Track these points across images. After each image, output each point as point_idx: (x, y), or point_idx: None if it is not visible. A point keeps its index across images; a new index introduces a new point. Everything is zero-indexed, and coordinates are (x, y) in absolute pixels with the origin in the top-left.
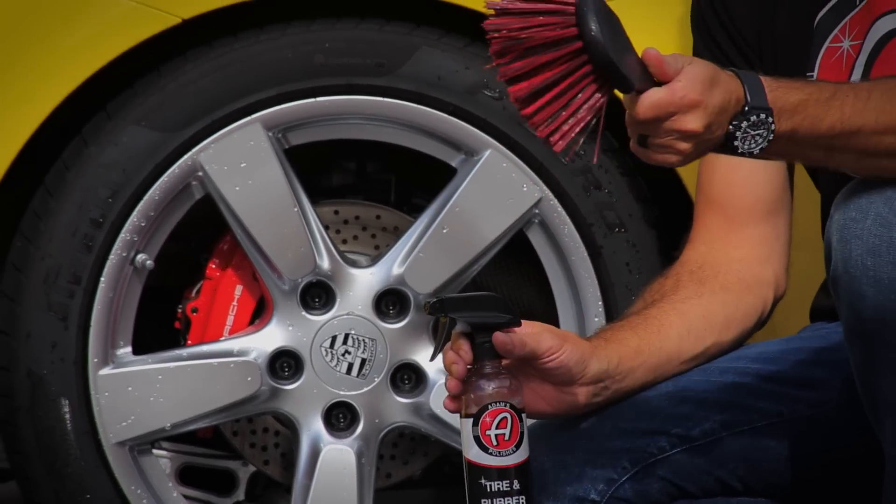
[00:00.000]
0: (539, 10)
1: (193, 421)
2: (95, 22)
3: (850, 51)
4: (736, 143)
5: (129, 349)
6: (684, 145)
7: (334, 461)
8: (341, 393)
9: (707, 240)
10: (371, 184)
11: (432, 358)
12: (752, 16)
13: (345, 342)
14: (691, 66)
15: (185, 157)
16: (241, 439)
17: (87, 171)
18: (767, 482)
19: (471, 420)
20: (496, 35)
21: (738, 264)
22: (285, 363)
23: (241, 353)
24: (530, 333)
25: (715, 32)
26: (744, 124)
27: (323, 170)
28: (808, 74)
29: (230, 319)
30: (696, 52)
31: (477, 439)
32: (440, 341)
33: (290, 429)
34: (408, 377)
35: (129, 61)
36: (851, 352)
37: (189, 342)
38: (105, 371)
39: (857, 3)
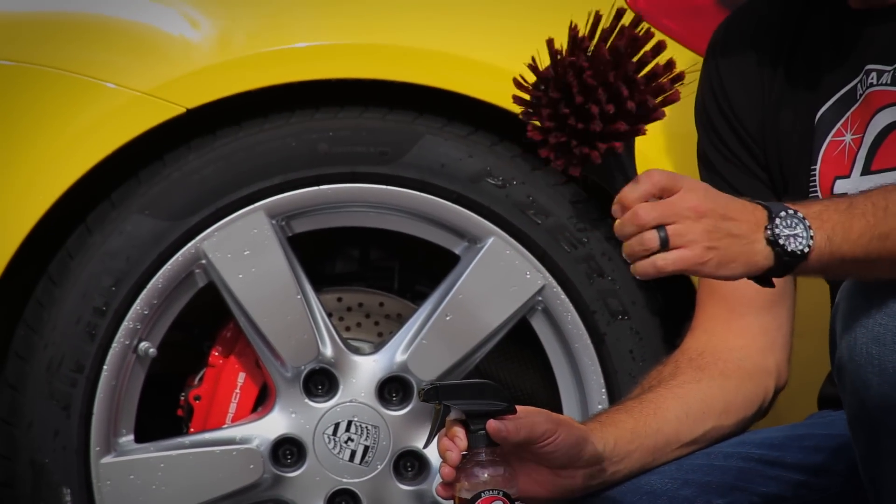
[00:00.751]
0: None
1: None
2: (100, 111)
3: (852, 144)
4: (781, 241)
5: (131, 437)
6: (699, 226)
7: None
8: (344, 480)
9: (708, 328)
10: (374, 271)
11: (426, 445)
12: (754, 111)
13: (348, 429)
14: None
15: (189, 245)
16: None
17: (91, 259)
18: None
19: None
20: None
21: (739, 352)
22: (288, 450)
23: (243, 441)
24: (525, 419)
25: (718, 127)
26: (778, 221)
27: (326, 257)
28: (811, 168)
29: (233, 407)
30: (700, 147)
31: None
32: (434, 428)
33: None
34: (411, 464)
35: (133, 150)
36: (855, 440)
37: (192, 430)
38: (107, 459)
39: (858, 97)
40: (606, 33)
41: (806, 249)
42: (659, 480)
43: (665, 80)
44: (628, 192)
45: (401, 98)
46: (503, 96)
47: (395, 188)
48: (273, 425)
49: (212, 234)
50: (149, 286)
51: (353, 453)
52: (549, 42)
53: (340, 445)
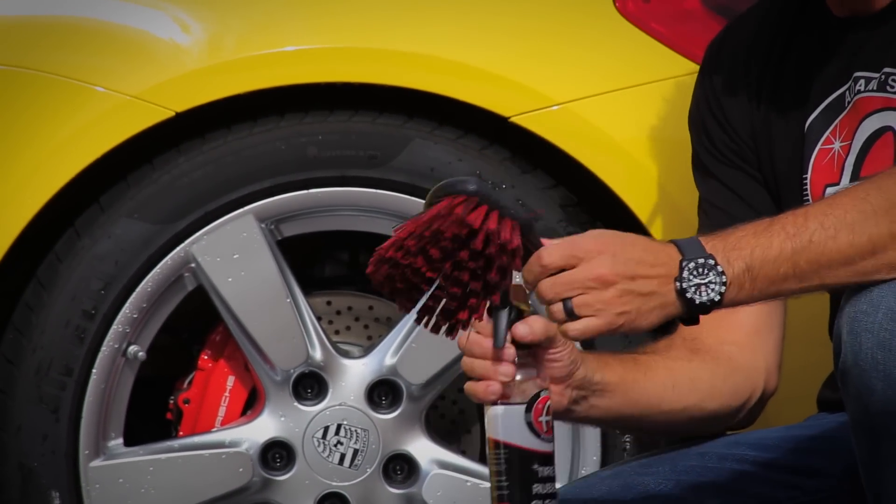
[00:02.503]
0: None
1: None
2: (89, 115)
3: (841, 151)
4: (689, 295)
5: (120, 441)
6: (607, 295)
7: None
8: (333, 484)
9: (700, 321)
10: (364, 274)
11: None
12: (747, 119)
13: (337, 433)
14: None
15: (178, 248)
16: None
17: (80, 263)
18: None
19: (523, 406)
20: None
21: (731, 346)
22: (277, 454)
23: (232, 444)
24: (547, 322)
25: (712, 131)
26: (686, 274)
27: (315, 261)
28: (803, 177)
29: (222, 410)
30: (696, 155)
31: (530, 425)
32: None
33: None
34: (400, 468)
35: (122, 154)
36: (857, 445)
37: (181, 433)
38: (96, 463)
39: (846, 105)
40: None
41: (717, 298)
42: (652, 481)
43: (503, 259)
44: (531, 267)
45: (390, 102)
46: (492, 100)
47: (385, 192)
48: (262, 429)
49: (201, 238)
50: (138, 290)
51: (342, 457)
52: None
53: (330, 449)
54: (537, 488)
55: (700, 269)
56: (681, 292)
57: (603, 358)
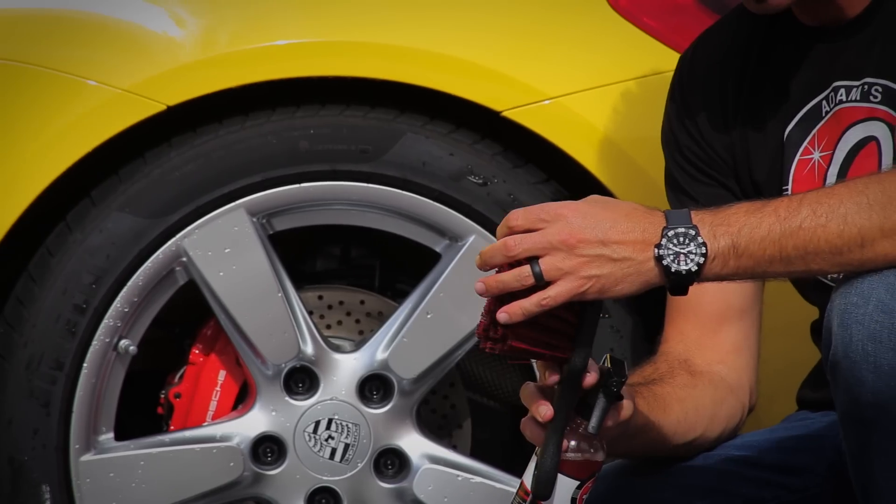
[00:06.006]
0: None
1: None
2: (80, 109)
3: (821, 161)
4: (665, 262)
5: (111, 435)
6: (575, 257)
7: None
8: (324, 478)
9: (683, 340)
10: (355, 269)
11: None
12: (723, 134)
13: (328, 427)
14: None
15: (170, 242)
16: None
17: (71, 257)
18: None
19: (577, 482)
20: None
21: (719, 366)
22: (268, 448)
23: (223, 439)
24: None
25: (686, 151)
26: (664, 241)
27: (307, 255)
28: (783, 188)
29: (213, 405)
30: (669, 172)
31: (573, 501)
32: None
33: None
34: (391, 462)
35: (113, 148)
36: (846, 437)
37: (172, 427)
38: (87, 457)
39: (824, 114)
40: None
41: (695, 268)
42: (640, 484)
43: None
44: (492, 246)
45: (382, 96)
46: (484, 95)
47: (377, 186)
48: (253, 423)
49: (192, 232)
50: (129, 284)
51: (333, 451)
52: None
53: (321, 443)
54: None
55: (680, 238)
56: (658, 259)
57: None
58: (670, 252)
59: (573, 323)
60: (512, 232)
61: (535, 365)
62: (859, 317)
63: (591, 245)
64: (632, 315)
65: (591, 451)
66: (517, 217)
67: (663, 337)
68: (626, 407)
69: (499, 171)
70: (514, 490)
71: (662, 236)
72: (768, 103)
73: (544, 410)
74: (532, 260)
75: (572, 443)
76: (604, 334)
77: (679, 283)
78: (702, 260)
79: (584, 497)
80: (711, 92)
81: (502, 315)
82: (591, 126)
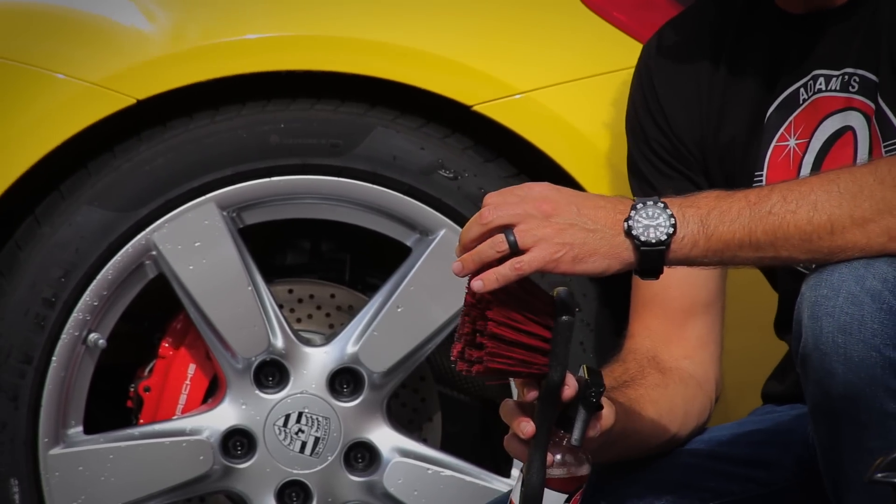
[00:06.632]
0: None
1: (145, 500)
2: (50, 102)
3: (797, 149)
4: (635, 232)
5: (80, 428)
6: (549, 225)
7: None
8: (294, 472)
9: (649, 335)
10: (326, 263)
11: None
12: (694, 125)
13: (298, 421)
14: None
15: (139, 236)
16: None
17: (40, 250)
18: None
19: (565, 495)
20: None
21: (686, 361)
22: (238, 442)
23: (193, 432)
24: (607, 414)
25: (653, 142)
26: (634, 213)
27: (277, 249)
28: (756, 174)
29: (183, 398)
30: (633, 161)
31: None
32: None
33: None
34: (361, 456)
35: (82, 142)
36: (817, 429)
37: (141, 421)
38: (56, 451)
39: (801, 101)
40: None
41: (664, 237)
42: (604, 478)
43: None
44: (469, 225)
45: (353, 90)
46: (455, 89)
47: (347, 180)
48: (223, 417)
49: (162, 226)
50: (98, 277)
51: (303, 445)
52: None
53: (291, 437)
54: None
55: (650, 212)
56: (628, 232)
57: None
58: (640, 224)
59: (547, 338)
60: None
61: (512, 382)
62: (829, 309)
63: (565, 214)
64: (603, 308)
65: (577, 463)
66: (492, 194)
67: (629, 332)
68: (607, 415)
69: (469, 166)
70: (485, 483)
71: (632, 209)
72: (746, 89)
73: (526, 427)
74: (507, 230)
75: (557, 457)
76: (575, 328)
77: (649, 259)
78: (671, 230)
79: None
80: (681, 80)
81: (477, 283)
82: (562, 120)
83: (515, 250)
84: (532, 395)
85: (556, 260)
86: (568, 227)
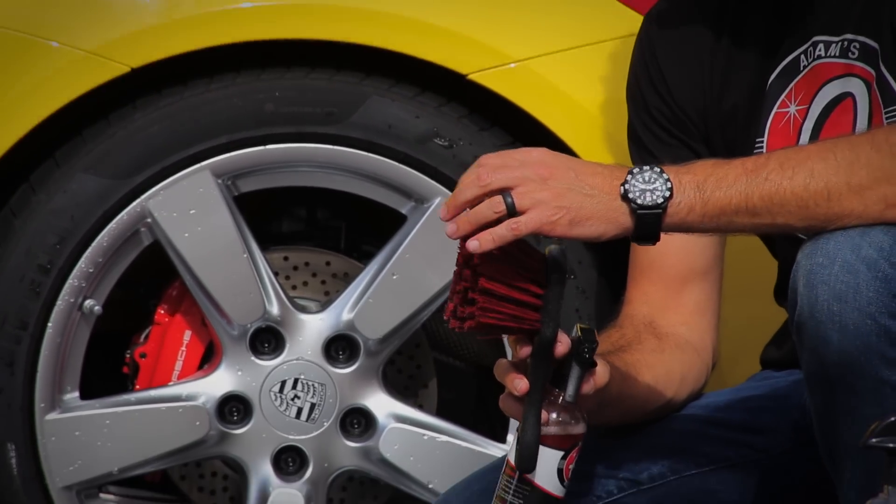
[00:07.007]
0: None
1: (141, 465)
2: (44, 70)
3: (797, 115)
4: (631, 196)
5: (76, 394)
6: (547, 188)
7: None
8: (290, 437)
9: (646, 301)
10: (321, 230)
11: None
12: (696, 93)
13: (294, 387)
14: None
15: (134, 203)
16: (189, 483)
17: (35, 217)
18: None
19: (561, 452)
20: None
21: (683, 327)
22: (234, 408)
23: (189, 398)
24: (602, 371)
25: (653, 110)
26: (630, 178)
27: (273, 216)
28: (758, 140)
29: (179, 364)
30: (633, 128)
31: (560, 472)
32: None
33: (238, 473)
34: (357, 421)
35: (77, 109)
36: (812, 397)
37: (137, 387)
38: (52, 416)
39: (802, 68)
40: None
41: (660, 201)
42: (605, 442)
43: None
44: (465, 177)
45: (348, 59)
46: (450, 57)
47: (342, 148)
48: (219, 383)
49: (157, 193)
50: (93, 244)
51: (299, 411)
52: None
53: (287, 403)
54: None
55: (646, 177)
56: (624, 195)
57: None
58: (636, 188)
59: (539, 295)
60: (481, 166)
61: (506, 341)
62: (825, 277)
63: (563, 179)
64: (598, 275)
65: (572, 421)
66: (488, 157)
67: (626, 298)
68: (601, 373)
69: (465, 134)
70: (480, 449)
71: (628, 174)
72: (748, 57)
73: (519, 384)
74: (504, 192)
75: (552, 415)
76: (570, 294)
77: (646, 223)
78: (668, 194)
79: (571, 467)
80: (683, 49)
81: (473, 243)
82: (557, 89)
83: (512, 212)
84: (525, 351)
85: (553, 222)
86: (566, 192)
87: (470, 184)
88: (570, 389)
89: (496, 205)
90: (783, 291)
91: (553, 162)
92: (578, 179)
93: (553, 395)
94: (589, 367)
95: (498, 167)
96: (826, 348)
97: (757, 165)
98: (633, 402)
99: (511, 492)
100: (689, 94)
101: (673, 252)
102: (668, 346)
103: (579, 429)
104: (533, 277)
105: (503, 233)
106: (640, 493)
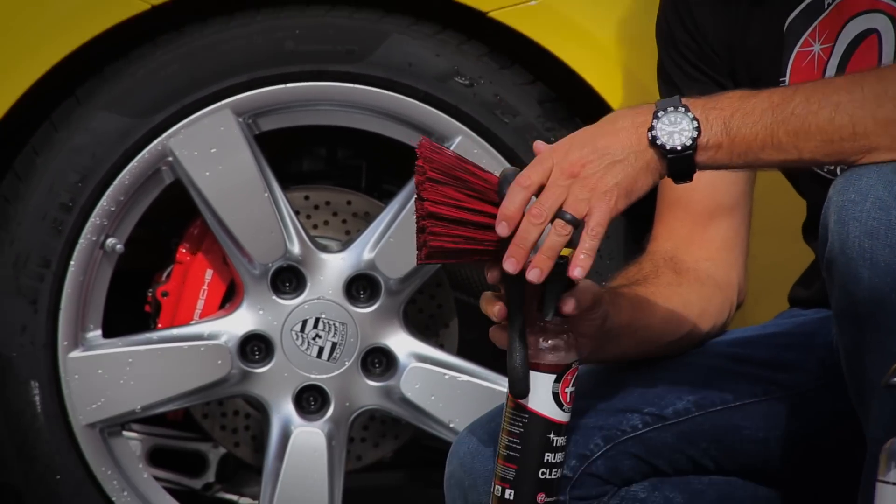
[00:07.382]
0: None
1: (164, 403)
2: (65, 7)
3: (821, 54)
4: (660, 141)
5: (99, 332)
6: (587, 180)
7: (305, 444)
8: (312, 376)
9: (671, 237)
10: (342, 169)
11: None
12: (722, 29)
13: (315, 326)
14: None
15: (155, 142)
16: (212, 422)
17: (57, 155)
18: (739, 462)
19: (553, 376)
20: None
21: (706, 263)
22: (256, 347)
23: (211, 337)
24: (590, 291)
25: (682, 46)
26: (656, 122)
27: (293, 155)
28: (780, 80)
29: (200, 303)
30: (662, 66)
31: (556, 396)
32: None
33: (260, 412)
34: (378, 361)
35: (98, 47)
36: (841, 334)
37: (159, 326)
38: (75, 354)
39: (826, 6)
40: None
41: (689, 142)
42: (631, 378)
43: None
44: (508, 205)
45: None
46: None
47: (363, 86)
48: (241, 322)
49: (178, 132)
50: (115, 183)
51: (320, 350)
52: None
53: (308, 342)
54: (548, 457)
55: (672, 118)
56: (653, 141)
57: (615, 301)
58: (664, 132)
59: (493, 214)
60: (528, 190)
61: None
62: (857, 213)
63: (591, 163)
64: (618, 217)
65: (560, 342)
66: (526, 177)
67: (652, 235)
68: (583, 290)
69: (485, 72)
70: (501, 388)
71: (654, 118)
72: None
73: (497, 309)
74: (559, 213)
75: (539, 339)
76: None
77: (678, 164)
78: (695, 134)
79: (568, 390)
80: None
81: (576, 271)
82: (579, 26)
83: (576, 223)
84: (493, 275)
85: (614, 206)
86: (602, 173)
87: (529, 226)
88: (546, 308)
89: (562, 229)
90: (811, 230)
91: (570, 155)
92: (604, 151)
93: (541, 321)
94: (566, 284)
95: (540, 201)
96: (856, 285)
97: (784, 98)
98: (647, 333)
99: (511, 421)
100: (717, 30)
101: (700, 188)
102: (686, 280)
103: (570, 351)
104: (486, 198)
105: (590, 242)
106: (664, 429)
